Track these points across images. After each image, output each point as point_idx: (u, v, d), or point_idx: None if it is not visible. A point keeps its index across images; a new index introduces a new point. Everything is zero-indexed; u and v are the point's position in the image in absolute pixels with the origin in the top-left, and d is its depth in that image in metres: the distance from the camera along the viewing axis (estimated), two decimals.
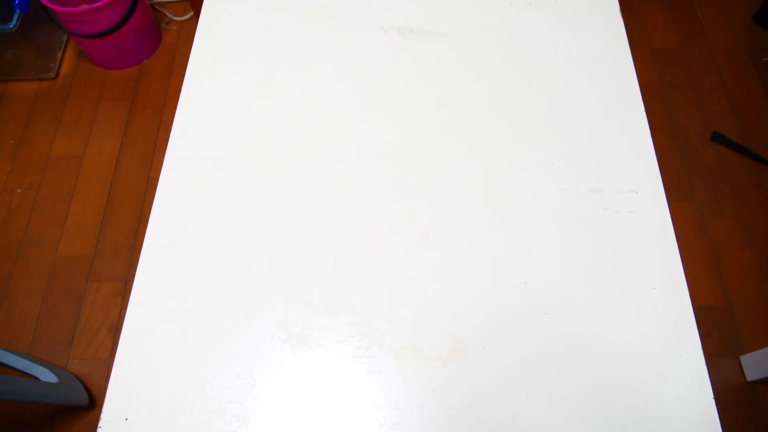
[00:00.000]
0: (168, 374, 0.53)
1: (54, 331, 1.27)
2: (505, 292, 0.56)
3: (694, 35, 1.66)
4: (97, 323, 1.28)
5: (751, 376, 1.17)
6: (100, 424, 0.51)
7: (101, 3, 1.41)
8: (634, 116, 0.66)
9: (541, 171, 0.63)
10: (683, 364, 0.53)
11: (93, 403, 1.19)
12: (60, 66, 1.66)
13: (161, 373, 0.53)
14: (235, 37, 0.73)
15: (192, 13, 1.75)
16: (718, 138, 1.48)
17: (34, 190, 1.46)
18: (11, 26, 1.49)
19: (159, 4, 1.76)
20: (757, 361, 1.15)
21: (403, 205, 0.61)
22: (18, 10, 1.48)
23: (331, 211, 0.61)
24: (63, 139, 1.53)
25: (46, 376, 1.12)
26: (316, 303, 0.56)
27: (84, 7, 1.42)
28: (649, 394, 0.52)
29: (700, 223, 1.37)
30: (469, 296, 0.56)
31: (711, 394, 0.51)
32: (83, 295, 1.31)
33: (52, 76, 1.63)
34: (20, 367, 1.13)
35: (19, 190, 1.46)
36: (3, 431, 1.16)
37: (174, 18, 1.75)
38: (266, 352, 0.54)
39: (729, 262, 1.31)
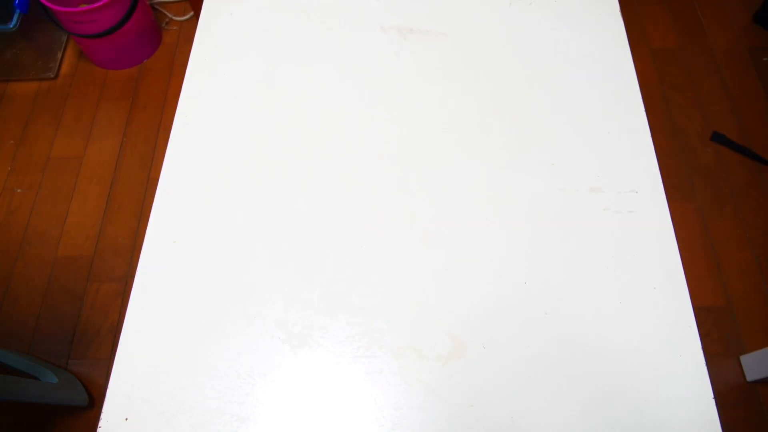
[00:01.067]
0: (168, 374, 0.53)
1: (54, 331, 1.27)
2: (505, 292, 0.56)
3: (694, 35, 1.66)
4: (97, 323, 1.28)
5: (751, 376, 1.17)
6: (100, 424, 0.51)
7: (101, 3, 1.41)
8: (634, 116, 0.66)
9: (541, 171, 0.63)
10: (683, 364, 0.53)
11: (93, 403, 1.19)
12: (60, 66, 1.66)
13: (161, 373, 0.53)
14: (235, 37, 0.73)
15: (192, 13, 1.75)
16: (718, 138, 1.48)
17: (34, 190, 1.46)
18: (11, 26, 1.49)
19: (159, 4, 1.76)
20: (757, 361, 1.16)
21: (403, 205, 0.61)
22: (18, 10, 1.48)
23: (331, 211, 0.61)
24: (63, 139, 1.54)
25: (46, 376, 1.12)
26: (316, 303, 0.56)
27: (84, 7, 1.42)
28: (649, 394, 0.52)
29: (700, 223, 1.37)
30: (469, 296, 0.56)
31: (711, 394, 0.51)
32: (83, 295, 1.31)
33: (52, 76, 1.63)
34: (20, 367, 1.13)
35: (19, 190, 1.46)
36: (3, 431, 1.16)
37: (174, 18, 1.75)
38: (266, 352, 0.54)
39: (729, 262, 1.31)
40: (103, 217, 1.41)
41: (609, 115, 0.66)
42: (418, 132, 0.66)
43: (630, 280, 0.57)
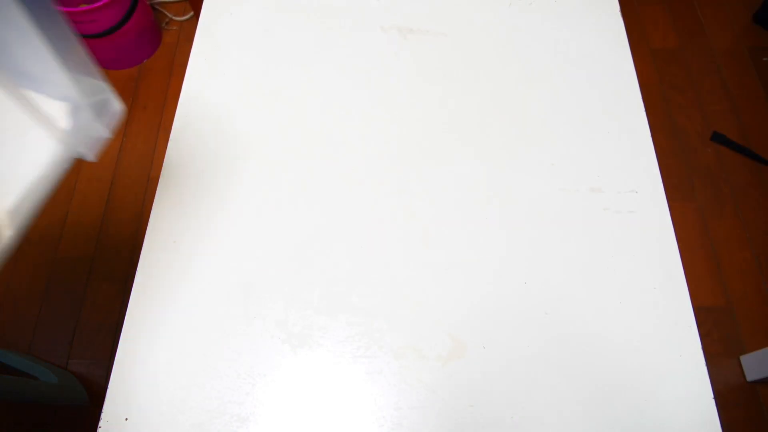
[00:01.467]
0: (168, 374, 0.53)
1: (54, 331, 1.27)
2: (505, 292, 0.56)
3: (694, 35, 1.66)
4: (97, 323, 1.28)
5: (751, 376, 1.17)
6: (100, 424, 0.51)
7: (101, 3, 1.41)
8: (634, 116, 0.66)
9: (541, 171, 0.63)
10: (683, 364, 0.53)
11: (93, 403, 1.19)
12: None
13: (161, 373, 0.53)
14: (235, 37, 0.73)
15: (192, 13, 1.75)
16: (718, 138, 1.48)
17: None
18: None
19: (159, 4, 1.76)
20: (757, 361, 1.16)
21: (403, 205, 0.61)
22: None
23: (331, 211, 0.61)
24: None
25: (46, 376, 1.13)
26: (316, 303, 0.56)
27: (84, 7, 1.42)
28: (649, 394, 0.52)
29: (700, 223, 1.37)
30: (469, 296, 0.56)
31: (711, 394, 0.51)
32: (83, 295, 1.31)
33: None
34: (20, 367, 1.13)
35: None
36: (3, 431, 1.16)
37: (174, 18, 1.75)
38: (266, 352, 0.54)
39: (729, 262, 1.31)
40: (103, 217, 1.41)
41: (609, 115, 0.66)
42: (418, 132, 0.66)
43: (630, 280, 0.57)
